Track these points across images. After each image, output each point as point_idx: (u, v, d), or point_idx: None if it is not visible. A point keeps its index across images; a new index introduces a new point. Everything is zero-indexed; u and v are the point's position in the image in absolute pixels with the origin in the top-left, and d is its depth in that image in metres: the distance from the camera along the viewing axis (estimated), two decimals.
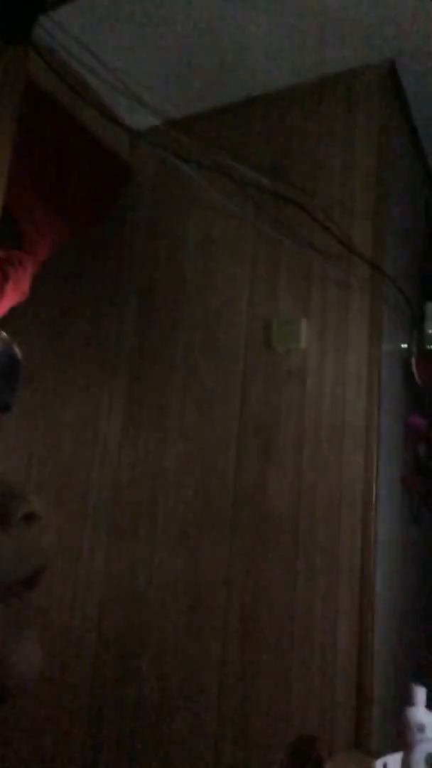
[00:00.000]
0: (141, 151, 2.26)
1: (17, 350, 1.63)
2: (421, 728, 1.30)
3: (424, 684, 1.37)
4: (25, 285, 1.90)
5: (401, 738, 1.32)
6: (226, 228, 2.03)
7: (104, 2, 1.79)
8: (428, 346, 1.96)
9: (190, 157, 2.03)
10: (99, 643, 1.89)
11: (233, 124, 2.12)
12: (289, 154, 1.99)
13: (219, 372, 1.92)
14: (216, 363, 1.93)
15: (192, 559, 1.81)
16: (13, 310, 1.87)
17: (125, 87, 2.06)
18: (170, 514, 1.88)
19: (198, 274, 2.05)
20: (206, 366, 1.95)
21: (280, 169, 1.97)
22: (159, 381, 2.01)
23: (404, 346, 1.97)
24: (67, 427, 2.14)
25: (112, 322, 2.16)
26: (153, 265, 2.15)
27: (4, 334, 1.64)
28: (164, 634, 1.80)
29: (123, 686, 1.82)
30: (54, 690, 1.91)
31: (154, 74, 2.05)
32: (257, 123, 2.08)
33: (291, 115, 2.03)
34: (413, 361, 1.95)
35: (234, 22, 1.83)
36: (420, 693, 1.33)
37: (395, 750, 1.31)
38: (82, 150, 2.08)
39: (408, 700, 1.34)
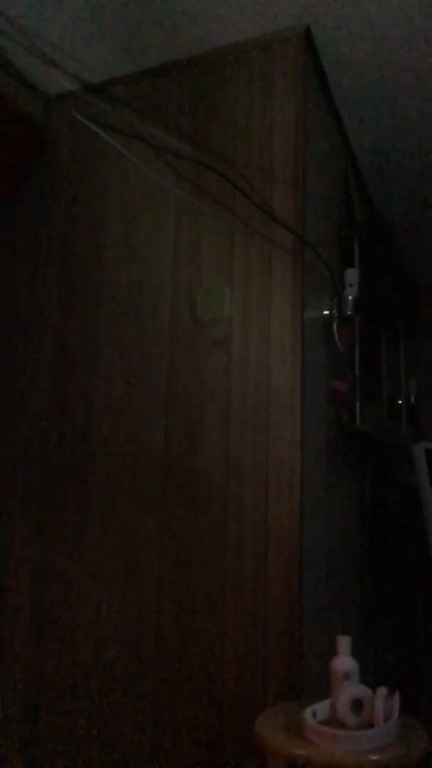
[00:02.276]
0: (57, 117, 2.19)
1: None
2: (347, 675, 1.37)
3: (350, 633, 1.44)
4: None
5: (329, 686, 1.39)
6: (146, 196, 2.00)
7: None
8: (348, 312, 2.02)
9: (107, 123, 1.98)
10: (32, 617, 1.88)
11: (151, 90, 2.08)
12: (209, 120, 1.97)
13: (144, 343, 1.91)
14: (141, 334, 1.92)
15: (123, 530, 1.82)
16: None
17: (38, 49, 1.98)
18: (99, 487, 1.88)
19: (119, 243, 2.02)
20: (131, 337, 1.93)
21: (200, 136, 1.96)
22: (84, 353, 1.99)
23: (326, 312, 2.01)
24: None
25: (33, 294, 2.10)
26: (73, 234, 2.10)
27: None
28: (99, 604, 1.81)
29: (60, 660, 1.82)
30: None
31: (69, 36, 1.98)
32: (176, 89, 2.05)
33: (210, 81, 2.01)
34: (334, 326, 2.00)
35: None
36: (345, 642, 1.40)
37: (325, 698, 1.38)
38: None
39: (334, 650, 1.41)
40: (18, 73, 2.05)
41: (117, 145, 1.92)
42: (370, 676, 1.45)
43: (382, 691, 1.29)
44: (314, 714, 1.33)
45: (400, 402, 3.00)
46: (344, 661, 1.39)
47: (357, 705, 1.32)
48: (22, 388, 2.05)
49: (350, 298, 2.03)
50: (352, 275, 2.07)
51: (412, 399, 3.15)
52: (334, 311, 2.02)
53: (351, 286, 2.05)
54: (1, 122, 2.03)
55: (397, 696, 1.30)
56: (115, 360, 1.94)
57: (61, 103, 2.18)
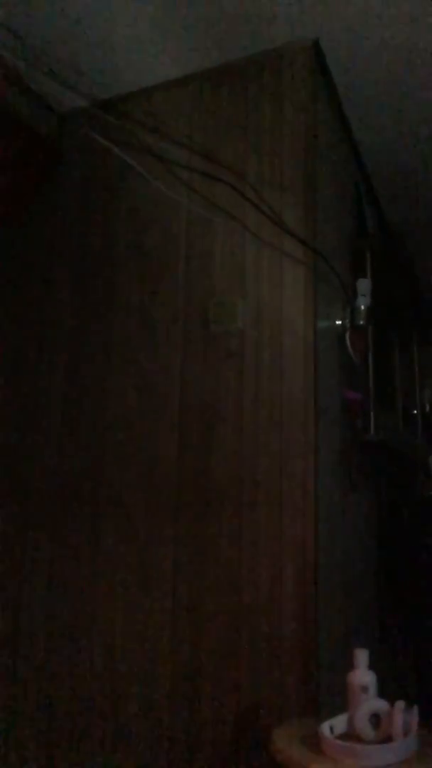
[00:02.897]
0: (69, 133, 2.22)
1: None
2: (365, 689, 1.35)
3: (367, 646, 1.43)
4: None
5: (347, 700, 1.37)
6: (158, 209, 2.02)
7: None
8: (360, 322, 2.01)
9: (119, 139, 2.00)
10: (47, 629, 1.88)
11: (162, 105, 2.10)
12: (219, 133, 1.99)
13: (157, 355, 1.92)
14: (154, 346, 1.93)
15: (136, 541, 1.82)
16: None
17: (50, 67, 2.01)
18: (113, 497, 1.88)
19: (132, 257, 2.03)
20: (144, 349, 1.94)
21: (211, 149, 1.97)
22: (97, 366, 2.00)
23: (338, 322, 2.01)
24: (3, 416, 2.10)
25: (47, 309, 2.12)
26: (85, 248, 2.12)
27: None
28: (113, 616, 1.81)
29: (74, 671, 1.82)
30: (3, 683, 1.90)
31: (79, 54, 2.00)
32: (186, 103, 2.06)
33: (220, 95, 2.03)
34: (347, 336, 2.00)
35: (158, 1, 1.81)
36: (362, 655, 1.39)
37: (342, 712, 1.36)
38: (4, 133, 2.02)
39: (351, 663, 1.39)
40: (30, 90, 2.08)
41: (128, 160, 1.93)
42: (387, 690, 1.43)
43: (400, 704, 1.27)
44: (331, 728, 1.31)
45: (414, 411, 2.98)
46: (362, 675, 1.37)
47: (375, 719, 1.30)
48: (36, 399, 2.06)
49: (362, 307, 2.03)
50: (364, 285, 2.07)
51: (427, 408, 3.13)
52: (347, 321, 2.02)
53: (363, 295, 2.05)
54: (14, 139, 2.06)
55: (415, 709, 1.29)
56: (128, 371, 1.95)
57: (73, 119, 2.20)
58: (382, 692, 1.39)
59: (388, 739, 1.25)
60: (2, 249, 2.22)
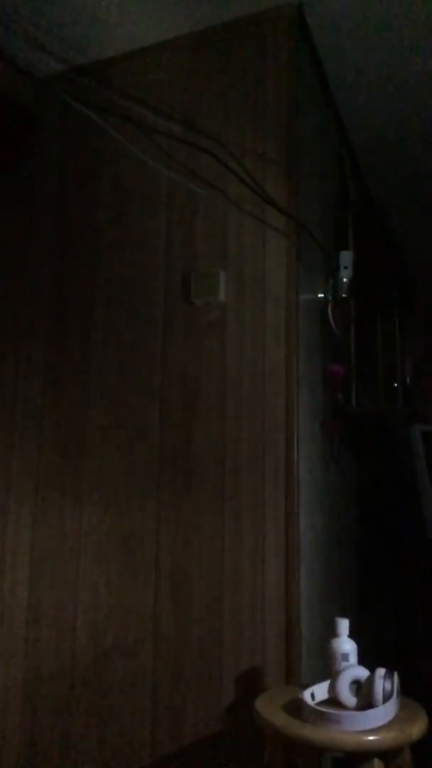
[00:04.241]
0: (46, 99, 2.16)
1: None
2: (345, 656, 1.38)
3: (348, 615, 1.45)
4: None
5: (328, 667, 1.40)
6: (139, 179, 1.98)
7: None
8: (343, 295, 2.00)
9: (98, 105, 1.95)
10: (30, 604, 1.88)
11: (141, 71, 2.04)
12: (200, 100, 1.94)
13: (138, 327, 1.90)
14: (135, 318, 1.91)
15: (119, 515, 1.82)
16: None
17: (26, 32, 1.95)
18: (96, 474, 1.87)
19: (112, 226, 2.00)
20: (125, 322, 1.92)
21: (191, 118, 1.93)
22: (77, 339, 1.97)
23: (320, 295, 2.00)
24: None
25: (26, 282, 2.08)
26: (65, 219, 2.07)
27: None
28: (96, 589, 1.81)
29: (58, 645, 1.83)
30: None
31: (56, 19, 1.94)
32: (167, 69, 2.01)
33: (201, 62, 1.98)
34: (329, 309, 1.99)
35: None
36: (343, 624, 1.41)
37: (323, 680, 1.38)
38: None
39: (333, 632, 1.41)
40: (5, 55, 2.01)
41: (107, 127, 1.89)
42: (368, 657, 1.46)
43: (381, 671, 1.29)
44: (313, 695, 1.33)
45: (395, 384, 2.99)
46: (343, 643, 1.39)
47: (355, 686, 1.32)
48: (16, 374, 2.03)
49: (345, 280, 2.02)
50: (346, 257, 2.05)
51: (408, 380, 3.15)
52: (329, 294, 2.00)
53: (345, 268, 2.04)
54: None
55: (395, 676, 1.31)
56: (108, 344, 1.93)
57: (50, 84, 2.14)
58: (363, 659, 1.41)
59: (368, 705, 1.27)
60: None
